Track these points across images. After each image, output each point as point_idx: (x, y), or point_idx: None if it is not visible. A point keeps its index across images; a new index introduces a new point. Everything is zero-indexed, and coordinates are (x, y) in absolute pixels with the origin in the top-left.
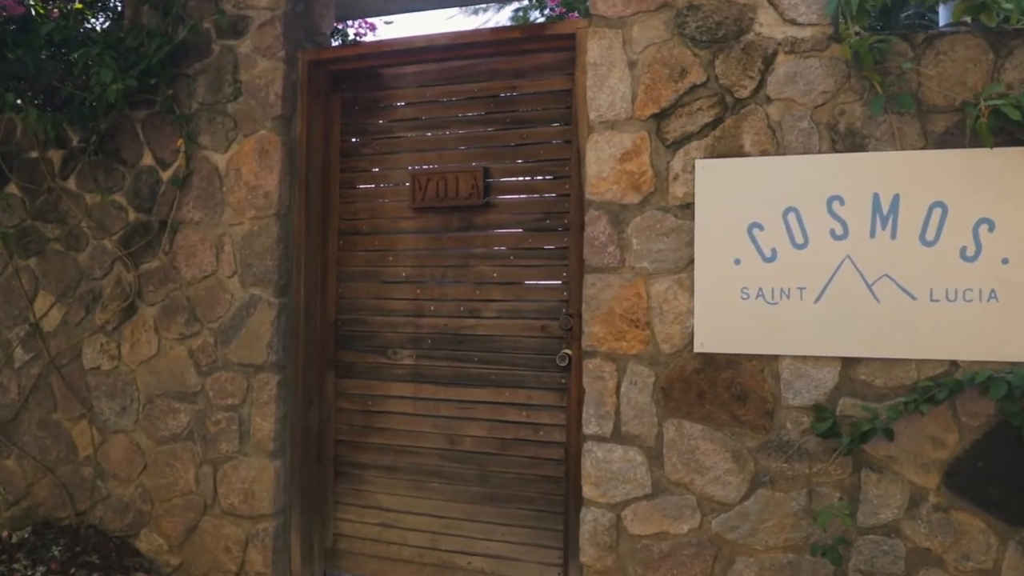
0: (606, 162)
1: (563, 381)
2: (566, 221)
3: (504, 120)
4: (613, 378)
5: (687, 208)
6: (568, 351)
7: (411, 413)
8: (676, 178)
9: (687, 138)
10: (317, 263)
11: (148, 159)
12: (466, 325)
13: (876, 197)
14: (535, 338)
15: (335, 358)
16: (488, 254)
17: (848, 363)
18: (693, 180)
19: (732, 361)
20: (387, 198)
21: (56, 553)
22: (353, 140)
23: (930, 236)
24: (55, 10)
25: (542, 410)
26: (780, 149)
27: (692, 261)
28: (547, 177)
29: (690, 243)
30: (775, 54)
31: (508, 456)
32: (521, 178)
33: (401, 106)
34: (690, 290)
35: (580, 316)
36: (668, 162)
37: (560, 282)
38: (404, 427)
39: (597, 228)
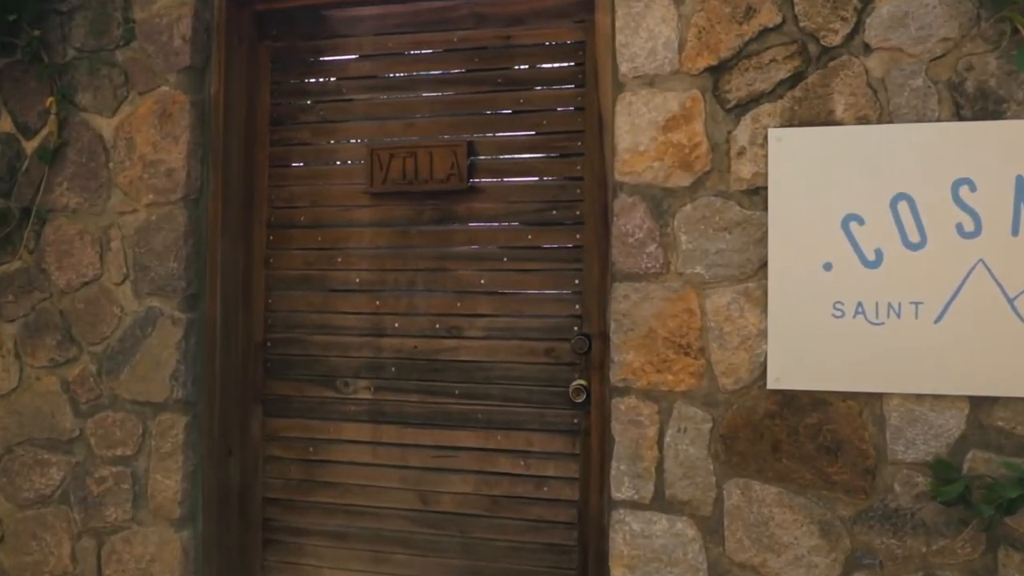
0: (644, 131)
1: (576, 421)
2: (579, 212)
3: (494, 80)
4: (654, 424)
5: (757, 194)
6: (583, 382)
7: (369, 463)
8: (741, 153)
9: (756, 99)
10: (238, 265)
11: (6, 124)
12: (444, 348)
13: (1020, 181)
14: (538, 365)
15: (264, 391)
16: (473, 254)
17: (980, 404)
18: (765, 156)
19: (820, 401)
20: (335, 180)
21: None
22: (288, 103)
23: None
24: None
25: (547, 459)
26: (885, 115)
27: (764, 265)
28: (552, 155)
29: (762, 241)
30: None
31: (501, 519)
32: (517, 155)
33: (354, 60)
34: (761, 305)
35: (605, 338)
36: (730, 132)
37: (571, 292)
38: (359, 481)
39: (631, 220)
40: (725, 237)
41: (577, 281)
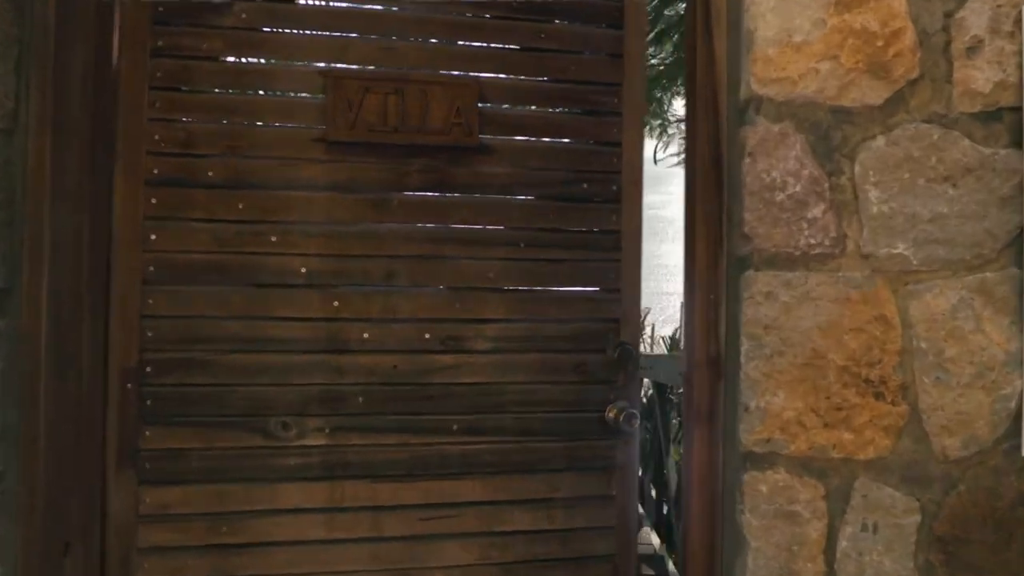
0: (802, 9)
1: (611, 454)
2: (615, 188)
3: (507, 3)
4: (820, 516)
5: (999, 119)
6: (624, 406)
7: (323, 540)
8: (974, 49)
9: None
10: (83, 243)
11: None
12: (437, 366)
13: None
14: (563, 385)
15: (138, 445)
16: (480, 238)
17: None
18: (1018, 53)
19: None
20: (270, 117)
21: None
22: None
23: None
24: None
25: (575, 507)
26: None
27: (1017, 241)
28: (578, 111)
29: (1012, 200)
30: None
31: None
32: (537, 108)
33: None
34: (1012, 311)
35: (719, 367)
36: (951, 13)
37: (606, 290)
38: (306, 568)
39: (780, 162)
40: (947, 193)
41: (612, 275)
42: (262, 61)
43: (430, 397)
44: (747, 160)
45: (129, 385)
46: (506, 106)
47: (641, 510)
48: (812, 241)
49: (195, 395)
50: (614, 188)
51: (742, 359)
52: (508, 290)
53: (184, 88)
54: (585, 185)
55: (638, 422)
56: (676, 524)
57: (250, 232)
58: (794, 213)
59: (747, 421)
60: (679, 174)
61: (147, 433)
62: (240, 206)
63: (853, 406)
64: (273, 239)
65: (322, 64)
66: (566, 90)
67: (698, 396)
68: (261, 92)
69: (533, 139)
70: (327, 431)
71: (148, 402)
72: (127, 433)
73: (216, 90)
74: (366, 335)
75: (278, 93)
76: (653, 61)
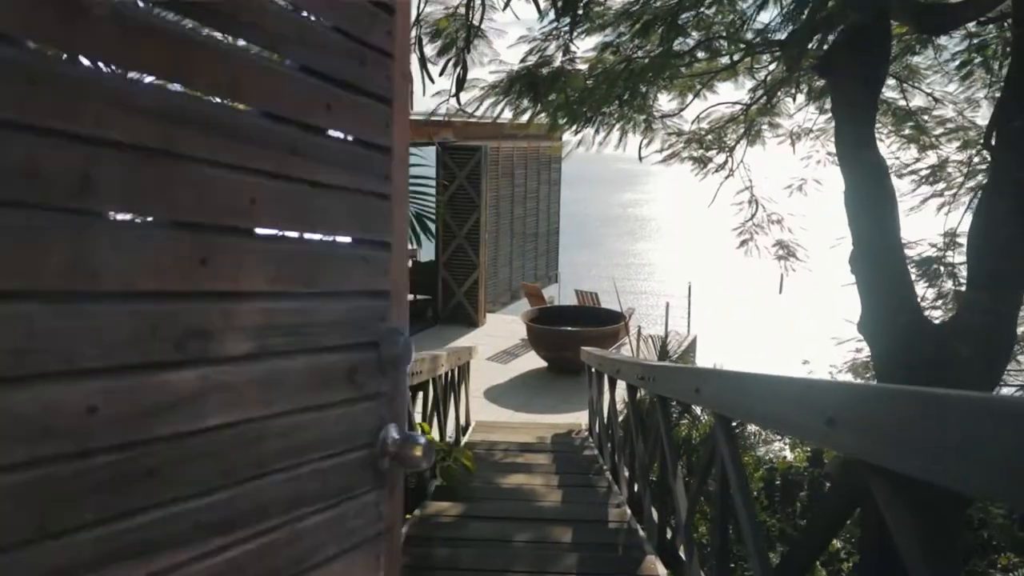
0: None
1: (379, 512)
2: (387, 78)
3: None
4: None
5: None
6: (415, 435)
7: None
8: None
9: None
10: None
11: None
12: (172, 397)
13: None
14: (336, 408)
15: None
16: (237, 127)
17: None
18: None
19: None
20: None
21: None
22: None
23: None
24: None
25: None
26: None
27: None
28: None
29: None
30: None
31: None
32: None
33: None
34: None
35: None
36: None
37: (369, 242)
38: None
39: None
40: None
41: (382, 220)
42: None
43: (155, 470)
44: None
45: None
46: None
47: (642, 533)
48: None
49: None
50: (387, 79)
51: None
52: (273, 237)
53: None
54: (359, 64)
55: (433, 457)
56: (689, 553)
57: None
58: None
59: None
60: (659, 172)
61: None
62: None
63: None
64: None
65: None
66: None
67: None
68: None
69: None
70: None
71: None
72: None
73: None
74: (31, 334)
75: None
76: (639, 54)
